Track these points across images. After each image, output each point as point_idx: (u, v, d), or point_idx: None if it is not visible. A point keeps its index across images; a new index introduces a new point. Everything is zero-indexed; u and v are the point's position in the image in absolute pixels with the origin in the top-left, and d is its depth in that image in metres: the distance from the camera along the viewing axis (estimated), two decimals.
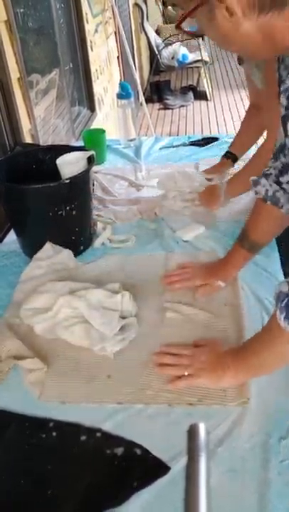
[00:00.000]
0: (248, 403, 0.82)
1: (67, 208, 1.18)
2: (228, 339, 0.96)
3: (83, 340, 0.96)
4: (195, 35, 1.10)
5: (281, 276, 1.11)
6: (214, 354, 0.89)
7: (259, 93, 1.34)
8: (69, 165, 1.23)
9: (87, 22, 2.90)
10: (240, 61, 1.36)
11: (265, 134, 1.33)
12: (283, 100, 0.74)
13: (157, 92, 5.92)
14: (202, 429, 0.48)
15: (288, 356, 0.78)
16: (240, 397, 0.83)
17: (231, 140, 1.62)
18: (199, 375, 0.86)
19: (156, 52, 5.97)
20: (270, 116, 1.20)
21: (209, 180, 1.50)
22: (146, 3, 6.17)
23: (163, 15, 8.12)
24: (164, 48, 6.08)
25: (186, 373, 0.87)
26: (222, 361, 0.86)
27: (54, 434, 0.79)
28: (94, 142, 1.76)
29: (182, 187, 1.49)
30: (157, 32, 6.88)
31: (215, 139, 1.93)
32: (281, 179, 0.94)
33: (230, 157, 1.55)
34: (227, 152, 1.56)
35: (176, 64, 5.97)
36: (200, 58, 5.80)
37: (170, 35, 6.52)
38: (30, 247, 1.26)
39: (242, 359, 0.84)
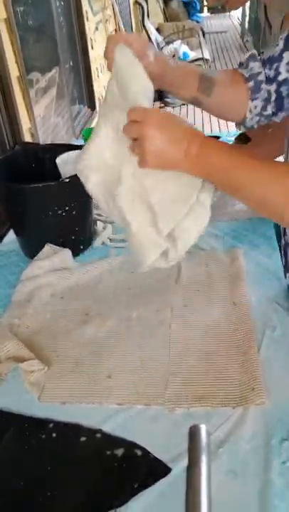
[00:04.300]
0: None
1: (67, 207, 1.17)
2: (237, 341, 0.94)
3: (141, 219, 0.76)
4: None
5: (282, 276, 1.11)
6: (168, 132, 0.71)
7: None
8: (69, 164, 1.23)
9: (88, 20, 2.89)
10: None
11: None
12: None
13: (158, 90, 5.90)
14: (203, 430, 0.47)
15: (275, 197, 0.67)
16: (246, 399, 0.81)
17: (233, 138, 1.60)
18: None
19: (157, 51, 5.96)
20: None
21: None
22: (146, 1, 6.15)
23: (164, 12, 8.10)
24: (164, 45, 6.07)
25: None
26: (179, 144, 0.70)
27: (54, 435, 0.79)
28: None
29: None
30: (158, 30, 6.86)
31: (217, 138, 1.91)
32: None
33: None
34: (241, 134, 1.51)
35: None
36: (201, 56, 5.80)
37: (171, 33, 6.51)
38: (30, 247, 1.25)
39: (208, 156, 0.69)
